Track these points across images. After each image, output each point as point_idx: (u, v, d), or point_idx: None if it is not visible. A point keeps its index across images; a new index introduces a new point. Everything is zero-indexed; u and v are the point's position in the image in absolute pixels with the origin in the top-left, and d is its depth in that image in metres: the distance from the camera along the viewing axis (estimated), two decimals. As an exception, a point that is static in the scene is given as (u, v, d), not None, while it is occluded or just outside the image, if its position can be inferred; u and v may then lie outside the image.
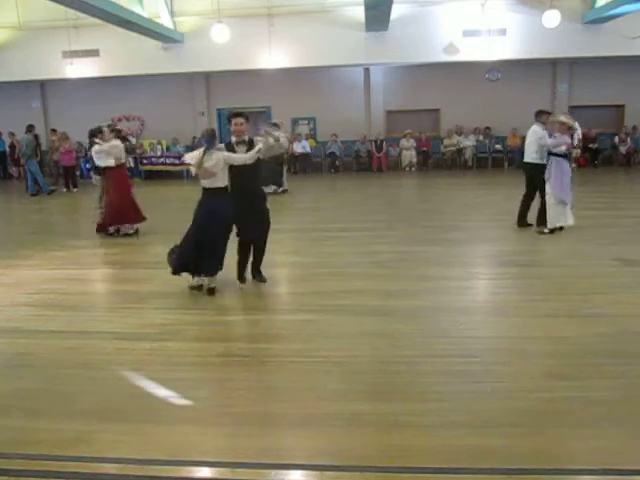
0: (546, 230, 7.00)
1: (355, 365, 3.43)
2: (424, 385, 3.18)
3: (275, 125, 8.38)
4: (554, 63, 15.55)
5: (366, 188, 11.87)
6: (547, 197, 7.01)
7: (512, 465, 2.38)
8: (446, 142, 15.76)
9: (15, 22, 14.16)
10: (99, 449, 2.58)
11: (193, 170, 4.80)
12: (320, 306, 4.54)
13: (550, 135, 7.05)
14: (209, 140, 4.72)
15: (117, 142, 7.71)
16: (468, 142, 15.51)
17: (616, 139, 15.34)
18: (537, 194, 7.30)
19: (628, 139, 15.17)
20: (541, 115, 7.21)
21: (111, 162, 7.54)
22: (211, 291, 4.88)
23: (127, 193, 7.73)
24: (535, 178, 7.17)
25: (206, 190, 4.86)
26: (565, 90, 15.89)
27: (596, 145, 15.38)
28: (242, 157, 4.76)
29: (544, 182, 7.01)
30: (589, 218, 7.98)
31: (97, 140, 7.64)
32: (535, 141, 7.14)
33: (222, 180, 4.77)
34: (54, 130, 15.68)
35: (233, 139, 4.96)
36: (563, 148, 6.97)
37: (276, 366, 3.48)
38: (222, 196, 4.80)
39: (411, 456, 2.48)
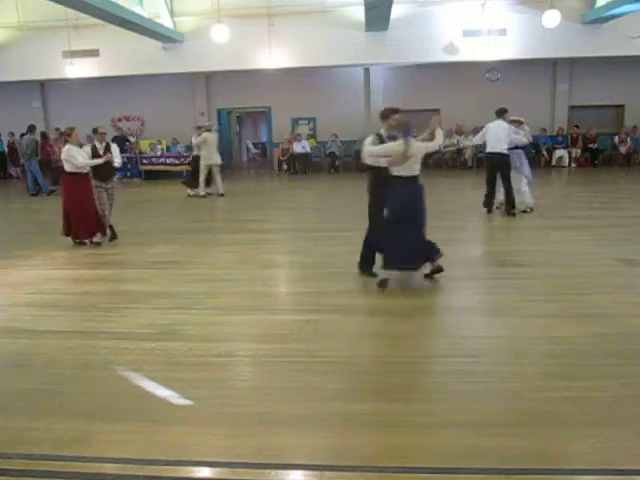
0: (514, 212, 8.16)
1: (355, 365, 3.43)
2: (424, 385, 3.18)
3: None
4: (554, 63, 15.56)
5: (366, 188, 11.84)
6: (519, 183, 8.25)
7: (512, 465, 2.38)
8: (446, 142, 15.76)
9: (15, 22, 14.17)
10: (99, 449, 2.58)
11: (391, 160, 4.81)
12: (320, 306, 4.54)
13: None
14: (407, 131, 4.85)
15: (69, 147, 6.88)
16: (468, 142, 15.52)
17: (616, 139, 15.35)
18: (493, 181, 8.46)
19: (628, 139, 15.18)
20: (504, 112, 8.31)
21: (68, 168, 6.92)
22: (439, 269, 5.08)
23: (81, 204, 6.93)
24: (504, 167, 8.16)
25: (403, 179, 4.87)
26: (565, 90, 15.91)
27: (596, 145, 15.38)
28: (438, 143, 5.21)
29: (509, 170, 8.12)
30: (589, 218, 7.99)
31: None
32: (508, 134, 8.11)
33: (418, 168, 4.95)
34: (58, 129, 15.63)
35: (383, 132, 5.08)
36: (525, 140, 8.36)
37: (276, 366, 3.48)
38: (418, 183, 5.01)
39: (411, 456, 2.48)
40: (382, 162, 4.88)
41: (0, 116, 16.51)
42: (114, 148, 7.44)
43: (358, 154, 5.12)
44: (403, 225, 4.86)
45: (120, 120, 17.26)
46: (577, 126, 15.50)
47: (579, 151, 15.44)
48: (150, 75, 15.06)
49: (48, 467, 2.46)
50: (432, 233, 7.28)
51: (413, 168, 4.89)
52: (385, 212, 4.99)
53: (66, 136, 6.90)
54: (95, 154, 7.12)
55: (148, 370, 3.43)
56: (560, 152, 15.31)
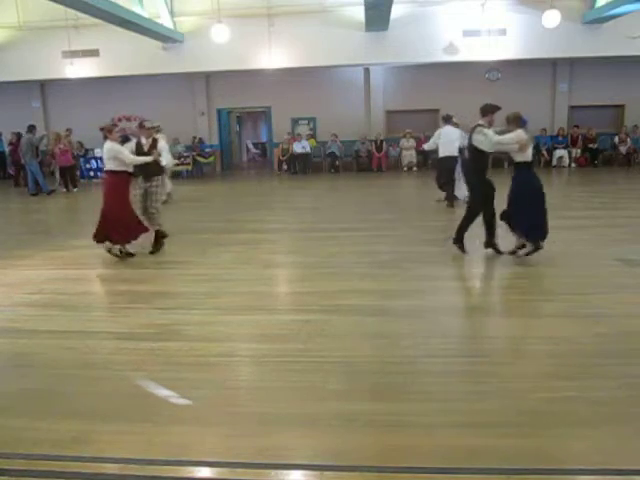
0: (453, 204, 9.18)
1: (355, 365, 3.43)
2: (424, 385, 3.18)
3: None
4: (554, 63, 15.56)
5: (366, 188, 11.90)
6: (460, 181, 8.87)
7: (512, 465, 2.38)
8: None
9: (15, 22, 14.17)
10: (99, 449, 2.58)
11: (516, 147, 5.60)
12: (320, 306, 4.54)
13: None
14: (525, 121, 5.74)
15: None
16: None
17: (616, 139, 15.34)
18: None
19: (628, 139, 15.17)
20: (451, 118, 9.15)
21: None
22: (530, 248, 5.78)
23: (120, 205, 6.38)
24: (455, 168, 9.01)
25: (526, 163, 5.71)
26: (565, 90, 15.91)
27: (596, 145, 15.38)
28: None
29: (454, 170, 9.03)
30: (589, 218, 7.99)
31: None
32: (458, 138, 8.80)
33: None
34: (69, 130, 15.69)
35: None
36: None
37: (276, 366, 3.47)
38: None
39: (411, 456, 2.48)
40: (513, 149, 5.66)
41: (0, 116, 16.51)
42: (162, 145, 6.70)
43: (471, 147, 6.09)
44: (534, 202, 5.69)
45: (120, 120, 17.24)
46: (577, 126, 15.50)
47: (579, 151, 15.44)
48: (150, 75, 15.05)
49: (48, 467, 2.46)
50: (432, 233, 7.32)
51: (530, 154, 5.69)
52: (516, 192, 5.76)
53: (107, 132, 6.26)
54: (140, 151, 6.48)
55: (148, 370, 3.43)
56: (560, 152, 15.31)
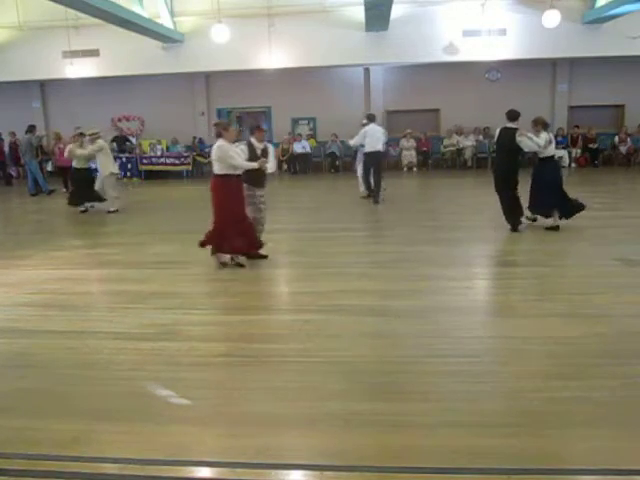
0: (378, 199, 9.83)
1: (355, 365, 3.43)
2: (424, 385, 3.18)
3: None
4: (554, 63, 15.56)
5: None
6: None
7: (512, 465, 2.38)
8: (446, 142, 15.77)
9: (15, 22, 14.17)
10: (99, 449, 2.58)
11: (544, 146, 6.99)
12: (320, 306, 4.54)
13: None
14: (548, 124, 7.26)
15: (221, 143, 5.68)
16: (468, 142, 15.52)
17: (616, 139, 15.34)
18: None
19: (628, 139, 15.17)
20: (375, 117, 10.21)
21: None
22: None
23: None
24: (380, 163, 10.07)
25: (552, 157, 7.25)
26: (565, 90, 15.90)
27: (596, 145, 15.38)
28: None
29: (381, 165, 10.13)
30: (589, 218, 7.97)
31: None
32: (382, 135, 9.95)
33: None
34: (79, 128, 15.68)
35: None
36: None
37: (276, 366, 3.48)
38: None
39: (411, 456, 2.48)
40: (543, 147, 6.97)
41: (0, 116, 16.51)
42: (271, 151, 6.23)
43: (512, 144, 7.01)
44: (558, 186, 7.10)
45: (120, 120, 17.26)
46: (577, 126, 15.49)
47: (579, 151, 15.44)
48: (150, 75, 15.05)
49: (48, 467, 2.46)
50: (432, 232, 7.32)
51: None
52: (546, 179, 7.07)
53: (222, 130, 5.65)
54: (253, 155, 5.88)
55: (148, 370, 3.43)
56: (560, 152, 15.28)
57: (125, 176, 15.72)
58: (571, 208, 7.12)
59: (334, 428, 2.71)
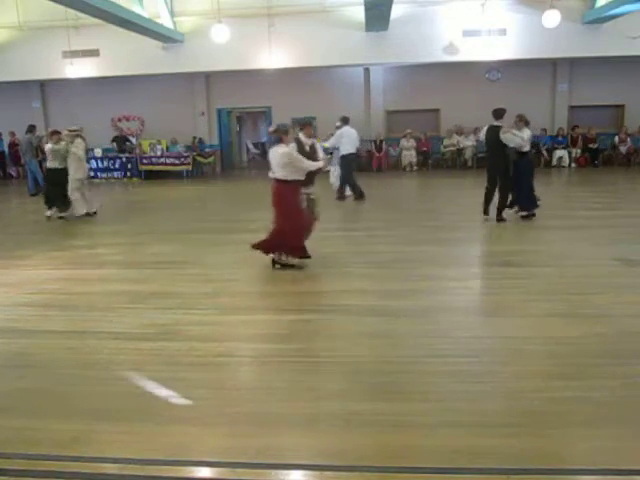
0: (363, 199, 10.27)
1: (355, 365, 3.43)
2: (424, 385, 3.18)
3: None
4: (554, 63, 15.56)
5: (366, 188, 11.82)
6: (333, 175, 10.62)
7: (512, 465, 2.38)
8: (446, 142, 15.77)
9: (15, 22, 14.17)
10: (99, 449, 2.58)
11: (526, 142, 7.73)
12: (320, 306, 4.54)
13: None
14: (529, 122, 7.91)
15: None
16: (468, 142, 15.52)
17: (616, 139, 15.34)
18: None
19: (628, 139, 15.17)
20: (348, 120, 10.47)
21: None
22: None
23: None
24: (354, 164, 10.62)
25: (527, 152, 7.91)
26: (565, 90, 15.90)
27: (596, 145, 15.38)
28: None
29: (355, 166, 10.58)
30: (589, 218, 7.99)
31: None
32: (357, 138, 10.36)
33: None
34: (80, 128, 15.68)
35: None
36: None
37: (276, 366, 3.48)
38: None
39: (411, 456, 2.48)
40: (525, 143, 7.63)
41: (0, 116, 16.51)
42: (319, 147, 6.11)
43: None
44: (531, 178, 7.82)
45: (120, 120, 17.26)
46: (577, 126, 15.49)
47: (579, 151, 15.44)
48: (150, 75, 15.05)
49: (48, 467, 2.46)
50: (432, 232, 7.32)
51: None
52: (521, 172, 7.70)
53: (282, 135, 5.49)
54: (302, 152, 5.72)
55: (148, 370, 3.43)
56: (560, 152, 15.30)
57: (125, 176, 15.74)
58: (533, 201, 7.88)
59: (334, 428, 2.71)
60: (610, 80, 15.31)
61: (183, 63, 14.25)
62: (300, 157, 5.50)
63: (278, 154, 5.46)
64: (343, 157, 10.13)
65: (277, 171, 5.53)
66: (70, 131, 9.32)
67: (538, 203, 7.95)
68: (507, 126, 7.64)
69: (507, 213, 7.91)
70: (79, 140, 9.20)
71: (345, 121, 10.26)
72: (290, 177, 5.48)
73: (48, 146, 9.14)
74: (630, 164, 15.04)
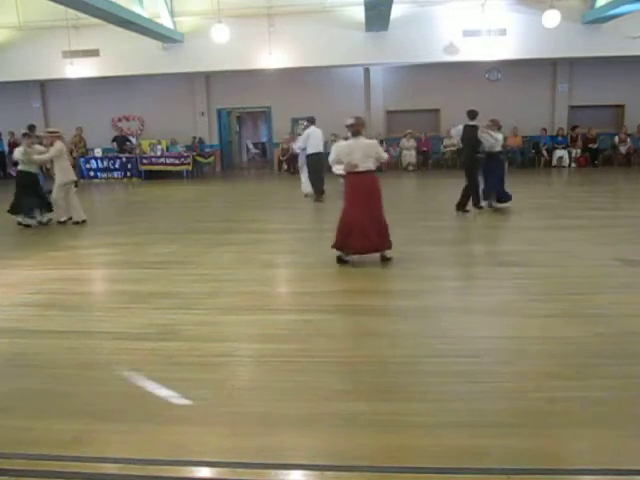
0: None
1: (355, 365, 3.43)
2: (424, 385, 3.18)
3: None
4: (554, 63, 15.56)
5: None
6: (304, 176, 10.72)
7: (512, 465, 2.37)
8: (446, 142, 15.77)
9: (15, 22, 14.18)
10: (99, 449, 2.58)
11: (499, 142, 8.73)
12: (320, 306, 4.54)
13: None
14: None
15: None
16: (468, 142, 15.49)
17: (616, 139, 15.34)
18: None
19: (628, 139, 15.17)
20: (314, 120, 10.58)
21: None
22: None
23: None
24: (321, 163, 10.22)
25: (499, 152, 8.88)
26: (565, 90, 15.91)
27: (596, 145, 15.38)
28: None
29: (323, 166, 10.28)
30: (589, 218, 7.99)
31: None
32: (322, 137, 10.48)
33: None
34: (79, 128, 15.78)
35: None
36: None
37: (276, 366, 3.47)
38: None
39: (411, 456, 2.48)
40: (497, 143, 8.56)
41: (0, 116, 16.51)
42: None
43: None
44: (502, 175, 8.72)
45: (120, 120, 17.27)
46: (577, 126, 15.50)
47: (579, 151, 15.44)
48: (150, 75, 15.07)
49: (48, 467, 2.46)
50: (432, 233, 7.32)
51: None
52: (492, 169, 8.61)
53: (360, 127, 5.67)
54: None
55: (148, 370, 3.43)
56: (560, 152, 15.31)
57: (125, 176, 15.74)
58: (505, 196, 8.63)
59: (334, 428, 2.70)
60: (610, 80, 15.33)
61: (183, 63, 14.26)
62: (380, 149, 5.83)
63: (365, 145, 5.61)
64: (309, 157, 10.28)
65: (363, 162, 5.55)
66: (49, 133, 8.77)
67: (511, 197, 8.68)
68: (483, 126, 8.50)
69: (479, 206, 8.60)
70: (59, 143, 8.48)
71: (311, 121, 10.48)
72: (373, 167, 5.68)
73: (20, 149, 8.48)
74: (630, 164, 15.05)
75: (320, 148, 10.33)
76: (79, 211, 8.78)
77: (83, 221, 8.75)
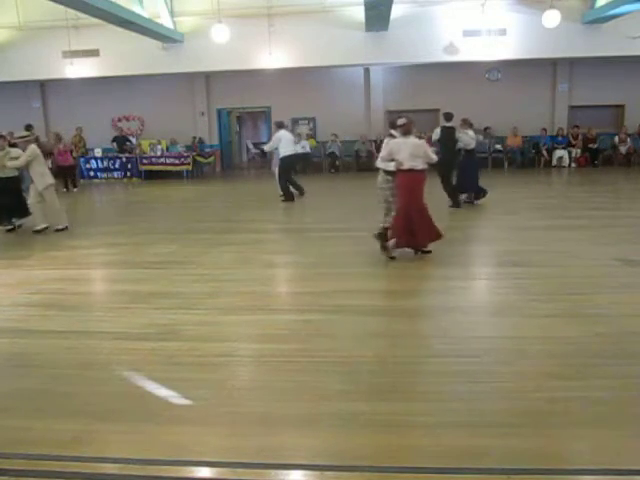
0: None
1: (355, 365, 3.43)
2: (424, 385, 3.18)
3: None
4: (554, 63, 15.55)
5: (366, 188, 11.86)
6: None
7: (512, 465, 2.37)
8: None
9: (15, 22, 14.17)
10: (99, 449, 2.58)
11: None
12: (320, 306, 4.54)
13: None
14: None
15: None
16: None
17: (616, 139, 15.33)
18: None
19: (628, 139, 15.16)
20: (282, 124, 10.86)
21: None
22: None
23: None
24: (295, 165, 11.32)
25: (473, 150, 9.32)
26: (565, 90, 15.90)
27: (596, 145, 15.37)
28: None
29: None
30: (589, 218, 7.99)
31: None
32: (292, 139, 10.68)
33: None
34: (79, 128, 15.81)
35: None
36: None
37: (276, 366, 3.47)
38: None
39: (411, 456, 2.48)
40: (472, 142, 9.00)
41: (0, 116, 16.49)
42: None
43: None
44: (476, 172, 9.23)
45: (120, 120, 17.26)
46: (577, 126, 15.49)
47: (579, 151, 15.44)
48: (150, 75, 15.06)
49: (48, 467, 2.46)
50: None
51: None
52: (469, 165, 9.14)
53: (410, 127, 5.82)
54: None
55: (148, 370, 3.43)
56: (560, 152, 15.30)
57: (125, 176, 15.74)
58: (482, 191, 9.16)
59: (334, 428, 2.70)
60: (610, 80, 15.32)
61: (183, 63, 14.26)
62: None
63: (413, 145, 5.77)
64: (283, 159, 10.44)
65: (409, 160, 5.70)
66: (20, 138, 8.23)
67: (487, 191, 9.24)
68: (458, 127, 9.08)
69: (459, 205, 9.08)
70: (33, 147, 7.95)
71: (280, 125, 10.70)
72: (420, 167, 5.79)
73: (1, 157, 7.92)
74: (630, 164, 15.04)
75: (292, 150, 10.57)
76: (60, 217, 8.20)
77: (65, 228, 8.15)
